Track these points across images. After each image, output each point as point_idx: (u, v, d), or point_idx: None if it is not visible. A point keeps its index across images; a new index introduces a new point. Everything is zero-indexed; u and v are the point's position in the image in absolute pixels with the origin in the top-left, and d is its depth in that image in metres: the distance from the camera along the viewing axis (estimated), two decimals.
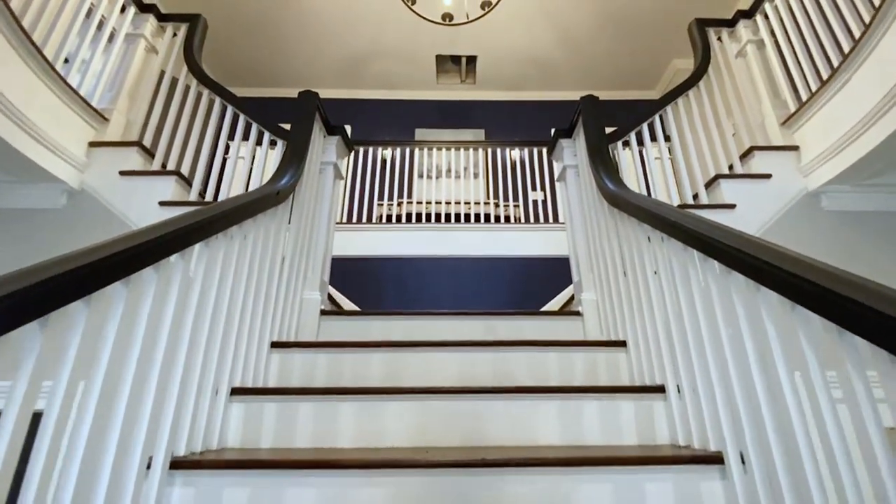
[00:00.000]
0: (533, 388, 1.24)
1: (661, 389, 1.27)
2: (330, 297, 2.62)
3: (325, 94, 5.45)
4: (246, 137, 2.25)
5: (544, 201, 4.21)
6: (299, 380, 1.45)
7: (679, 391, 1.22)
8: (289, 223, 1.74)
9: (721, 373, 1.04)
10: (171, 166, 2.16)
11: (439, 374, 1.46)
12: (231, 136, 2.25)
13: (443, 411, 1.21)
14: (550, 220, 3.57)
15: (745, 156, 2.25)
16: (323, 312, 1.79)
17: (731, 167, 2.25)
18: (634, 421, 1.24)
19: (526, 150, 4.10)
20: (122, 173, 2.05)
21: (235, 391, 1.22)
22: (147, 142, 2.23)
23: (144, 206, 1.99)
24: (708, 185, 2.19)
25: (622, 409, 1.24)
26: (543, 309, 3.33)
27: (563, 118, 5.55)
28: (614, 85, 5.58)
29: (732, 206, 2.06)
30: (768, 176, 2.13)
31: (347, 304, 3.37)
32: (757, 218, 2.05)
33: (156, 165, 2.14)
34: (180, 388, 1.00)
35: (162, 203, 1.99)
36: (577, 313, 1.85)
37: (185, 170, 2.16)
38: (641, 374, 1.41)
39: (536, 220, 3.79)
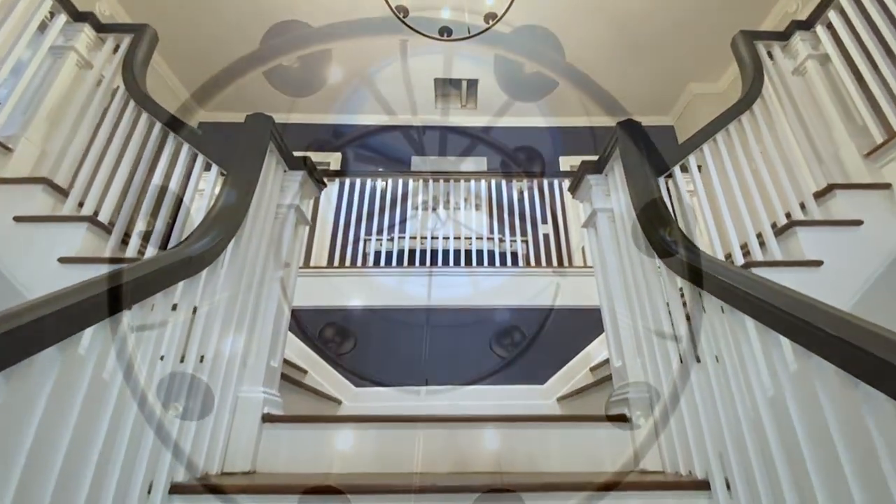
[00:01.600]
0: None
1: None
2: (287, 361, 2.11)
3: (313, 119, 5.06)
4: (190, 172, 1.78)
5: (556, 235, 3.73)
6: None
7: None
8: (219, 292, 1.24)
9: None
10: (90, 208, 1.68)
11: None
12: (171, 170, 1.77)
13: None
14: (565, 261, 3.08)
15: (821, 195, 1.77)
16: (267, 418, 1.28)
17: (802, 206, 1.77)
18: None
19: (535, 181, 3.65)
20: (18, 219, 1.57)
21: None
22: (65, 177, 1.76)
23: (41, 262, 1.50)
24: (779, 232, 1.71)
25: None
26: (561, 373, 2.80)
27: (571, 145, 5.18)
28: (626, 110, 5.18)
29: (818, 264, 1.57)
30: (859, 223, 1.65)
31: (321, 365, 2.84)
32: (851, 280, 1.56)
33: (68, 208, 1.67)
34: None
35: (62, 259, 1.50)
36: (623, 417, 1.33)
37: (106, 213, 1.68)
38: None
39: (548, 260, 3.30)
